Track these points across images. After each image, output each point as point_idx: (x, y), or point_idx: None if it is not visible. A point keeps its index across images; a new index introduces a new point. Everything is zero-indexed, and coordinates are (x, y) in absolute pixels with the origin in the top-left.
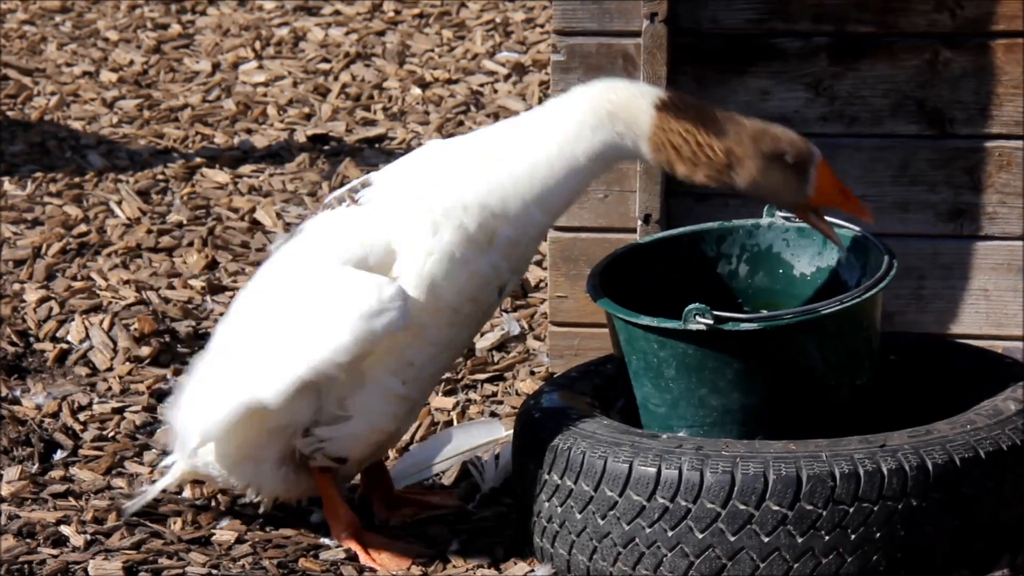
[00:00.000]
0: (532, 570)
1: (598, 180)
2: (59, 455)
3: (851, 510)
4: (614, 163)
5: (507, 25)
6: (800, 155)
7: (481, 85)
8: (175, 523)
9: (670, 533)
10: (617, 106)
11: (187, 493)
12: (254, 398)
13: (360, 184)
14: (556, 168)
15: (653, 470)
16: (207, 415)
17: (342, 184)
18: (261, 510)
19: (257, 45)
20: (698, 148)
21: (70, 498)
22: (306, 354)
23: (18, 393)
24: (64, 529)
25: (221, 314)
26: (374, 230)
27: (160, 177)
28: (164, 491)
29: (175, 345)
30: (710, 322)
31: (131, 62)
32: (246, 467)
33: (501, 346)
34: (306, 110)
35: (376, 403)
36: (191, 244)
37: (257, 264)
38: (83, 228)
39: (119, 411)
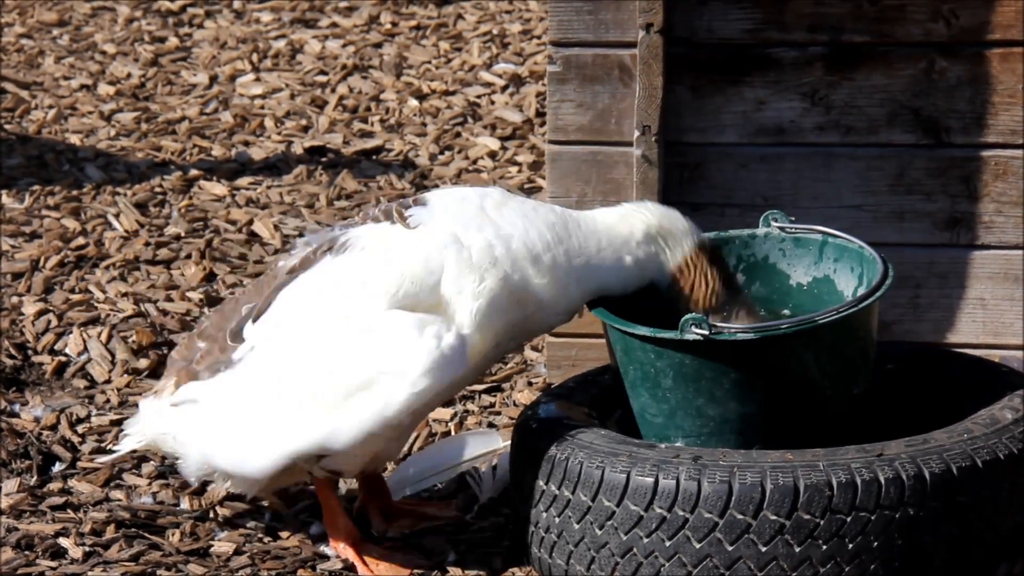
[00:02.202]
0: None
1: (595, 191)
2: (57, 467)
3: (848, 519)
4: (636, 283)
5: (504, 36)
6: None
7: (478, 96)
8: (173, 535)
9: (668, 543)
10: (669, 231)
11: (185, 505)
12: (316, 445)
13: (412, 201)
14: (604, 256)
15: (651, 480)
16: (252, 457)
17: (340, 196)
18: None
19: (254, 58)
20: (711, 296)
21: (68, 510)
22: (376, 407)
23: (16, 406)
24: (63, 541)
25: None
26: (424, 262)
27: (158, 190)
28: (162, 503)
29: None
30: (706, 332)
31: (129, 75)
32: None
33: None
34: (303, 122)
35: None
36: (189, 256)
37: (255, 275)
38: (81, 241)
39: (117, 423)
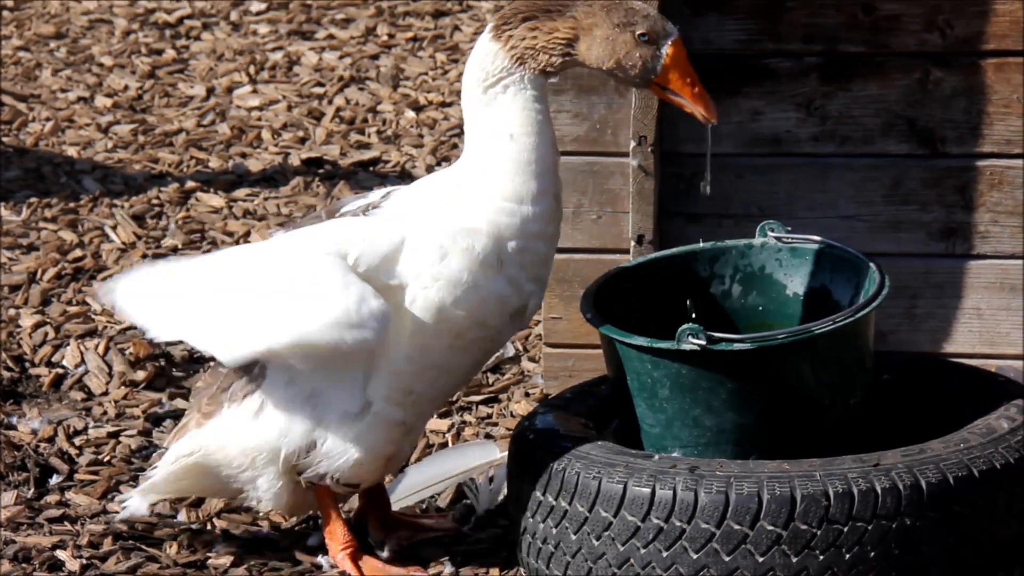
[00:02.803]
0: None
1: (592, 202)
2: (55, 480)
3: (845, 529)
4: (545, 88)
5: None
6: (653, 29)
7: None
8: (171, 547)
9: (665, 553)
10: (481, 73)
11: (182, 517)
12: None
13: (372, 204)
14: (515, 155)
15: (647, 490)
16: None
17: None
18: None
19: (251, 69)
20: (548, 34)
21: (66, 523)
22: (269, 331)
23: (14, 418)
24: (60, 554)
25: None
26: (380, 237)
27: (155, 201)
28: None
29: (170, 369)
30: (703, 342)
31: (126, 87)
32: (245, 480)
33: (496, 368)
34: (300, 134)
35: (374, 430)
36: None
37: None
38: (78, 253)
39: (114, 435)
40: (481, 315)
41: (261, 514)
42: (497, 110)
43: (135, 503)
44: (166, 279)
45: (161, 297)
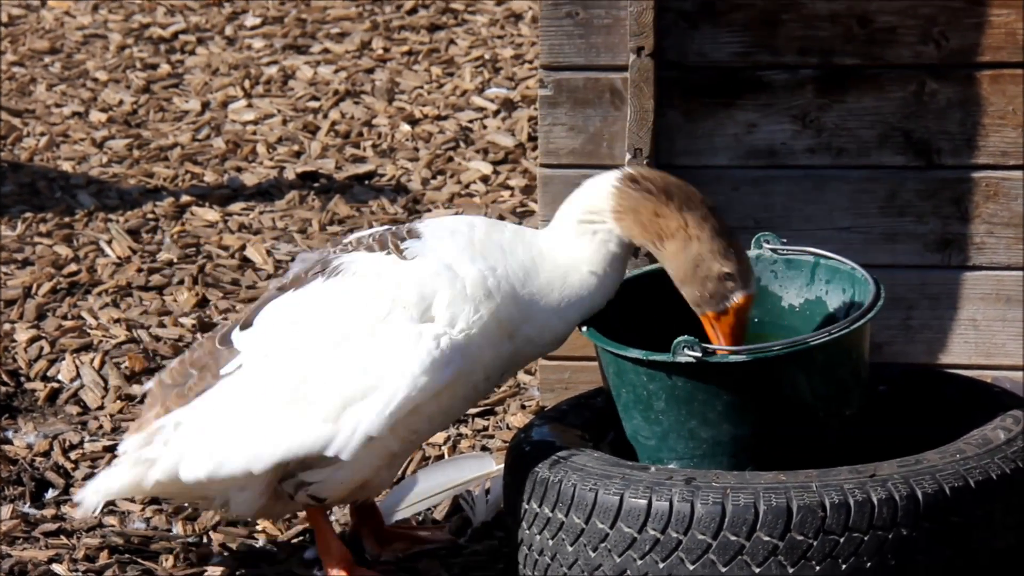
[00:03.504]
0: None
1: None
2: (51, 494)
3: (842, 540)
4: (628, 255)
5: (496, 61)
6: (740, 274)
7: (470, 121)
8: (167, 560)
9: (661, 565)
10: (584, 201)
11: (178, 530)
12: (316, 447)
13: (407, 232)
14: (569, 282)
15: (644, 502)
16: (255, 451)
17: (332, 221)
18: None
19: (246, 84)
20: (654, 216)
21: (62, 536)
22: (376, 407)
23: (9, 432)
24: (56, 568)
25: None
26: (418, 289)
27: (150, 216)
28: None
29: None
30: (699, 354)
31: (120, 102)
32: (225, 492)
33: None
34: (296, 148)
35: (366, 456)
36: (181, 282)
37: (248, 301)
38: (73, 267)
39: (110, 449)
40: (490, 370)
41: (259, 528)
42: (582, 244)
43: (89, 501)
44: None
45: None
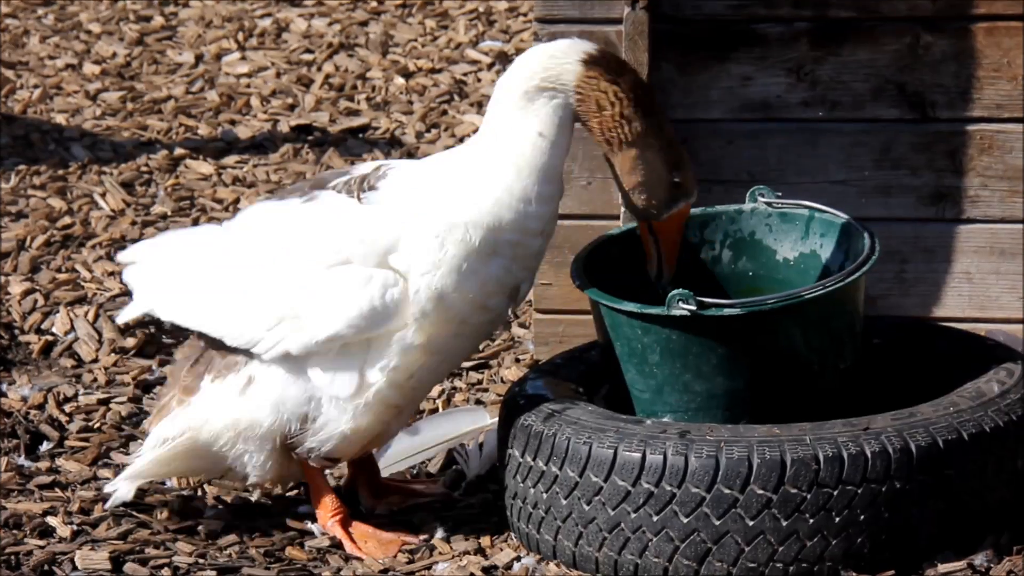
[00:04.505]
0: (518, 556)
1: (581, 168)
2: (45, 446)
3: (835, 493)
4: (572, 124)
5: (490, 14)
6: (686, 184)
7: (464, 74)
8: (161, 513)
9: (655, 518)
10: (547, 73)
11: (173, 483)
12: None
13: (368, 182)
14: (527, 158)
15: (638, 455)
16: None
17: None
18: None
19: (240, 36)
20: (619, 114)
21: (56, 489)
22: (302, 332)
23: (3, 386)
24: (51, 520)
25: None
26: (378, 233)
27: (144, 169)
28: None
29: (160, 336)
30: (693, 308)
31: (114, 54)
32: (234, 456)
33: None
34: (289, 101)
35: (369, 411)
36: None
37: None
38: (67, 220)
39: (104, 402)
40: (482, 298)
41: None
42: (532, 111)
43: (123, 489)
44: (182, 262)
45: (181, 284)
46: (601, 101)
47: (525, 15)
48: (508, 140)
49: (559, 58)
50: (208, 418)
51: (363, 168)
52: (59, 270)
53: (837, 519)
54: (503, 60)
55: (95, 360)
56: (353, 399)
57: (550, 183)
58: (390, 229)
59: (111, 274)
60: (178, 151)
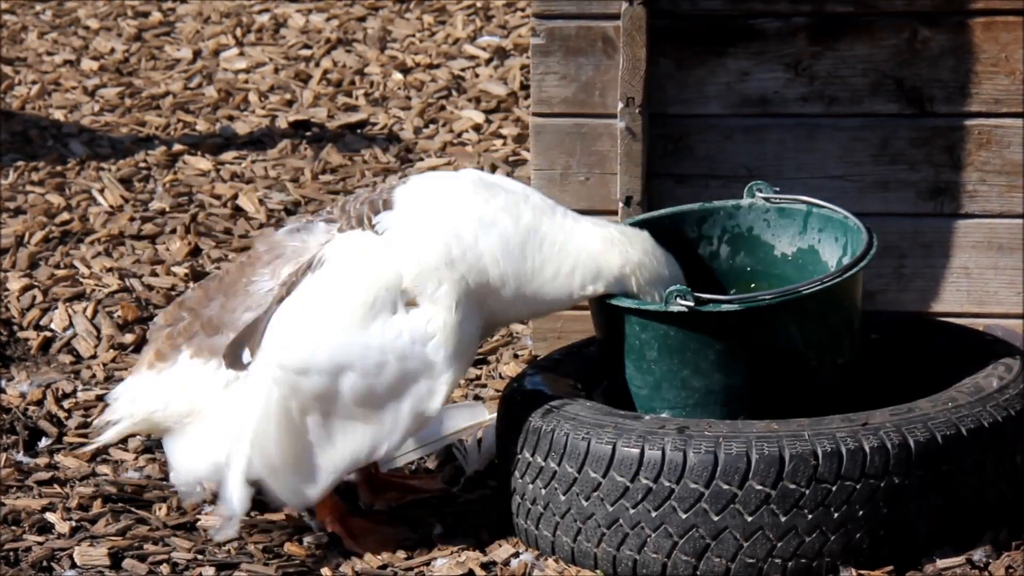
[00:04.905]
0: (517, 552)
1: (579, 164)
2: (44, 442)
3: (834, 488)
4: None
5: (488, 9)
6: None
7: (463, 70)
8: (160, 509)
9: (654, 513)
10: (647, 266)
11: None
12: (367, 454)
13: (382, 203)
14: (559, 284)
15: (636, 451)
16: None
17: (324, 170)
18: None
19: (238, 32)
20: None
21: (55, 485)
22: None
23: (2, 382)
24: (49, 516)
25: None
26: (392, 275)
27: (142, 165)
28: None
29: None
30: (691, 303)
31: (112, 50)
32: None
33: None
34: (288, 96)
35: None
36: (174, 231)
37: (240, 250)
38: (66, 216)
39: (103, 398)
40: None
41: None
42: (589, 276)
43: (106, 436)
44: None
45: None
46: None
47: (523, 10)
48: (554, 274)
49: (662, 274)
50: (175, 400)
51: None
52: (57, 266)
53: (836, 515)
54: (501, 55)
55: (94, 356)
56: None
57: (547, 310)
58: (401, 261)
59: (109, 270)
60: (176, 147)
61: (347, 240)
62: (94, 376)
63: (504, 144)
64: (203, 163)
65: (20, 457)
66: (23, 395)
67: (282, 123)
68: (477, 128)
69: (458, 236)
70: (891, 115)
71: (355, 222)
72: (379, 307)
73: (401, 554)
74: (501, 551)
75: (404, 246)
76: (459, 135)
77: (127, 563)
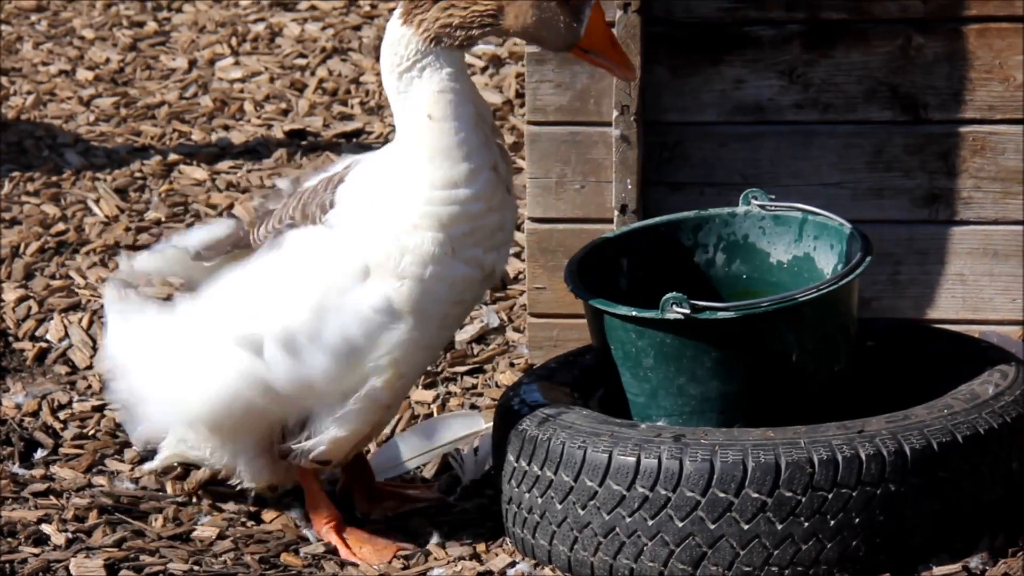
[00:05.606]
0: (513, 561)
1: (575, 172)
2: (39, 454)
3: (830, 496)
4: (462, 69)
5: None
6: None
7: None
8: (156, 520)
9: (650, 522)
10: (397, 57)
11: (168, 490)
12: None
13: (328, 203)
14: (429, 144)
15: (632, 459)
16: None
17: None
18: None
19: (233, 41)
20: (464, 12)
21: (51, 496)
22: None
23: None
24: (45, 528)
25: None
26: (353, 264)
27: (138, 174)
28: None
29: None
30: (687, 311)
31: (107, 60)
32: (226, 455)
33: (481, 338)
34: (283, 106)
35: (361, 413)
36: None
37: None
38: (61, 227)
39: (99, 409)
40: (456, 295)
41: (247, 487)
42: (414, 94)
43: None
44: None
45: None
46: (445, 19)
47: None
48: (408, 137)
49: (394, 32)
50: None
51: (325, 175)
52: (53, 277)
53: (832, 522)
54: (496, 63)
55: (89, 367)
56: (343, 402)
57: (470, 156)
58: (351, 261)
59: (105, 280)
60: (172, 157)
61: (301, 233)
62: (90, 387)
63: None
64: (199, 173)
65: (16, 469)
66: (19, 406)
67: (278, 132)
68: None
69: (401, 206)
70: (886, 122)
71: (309, 221)
72: (335, 295)
73: (398, 564)
74: (498, 560)
75: (357, 235)
76: None
77: (123, 574)
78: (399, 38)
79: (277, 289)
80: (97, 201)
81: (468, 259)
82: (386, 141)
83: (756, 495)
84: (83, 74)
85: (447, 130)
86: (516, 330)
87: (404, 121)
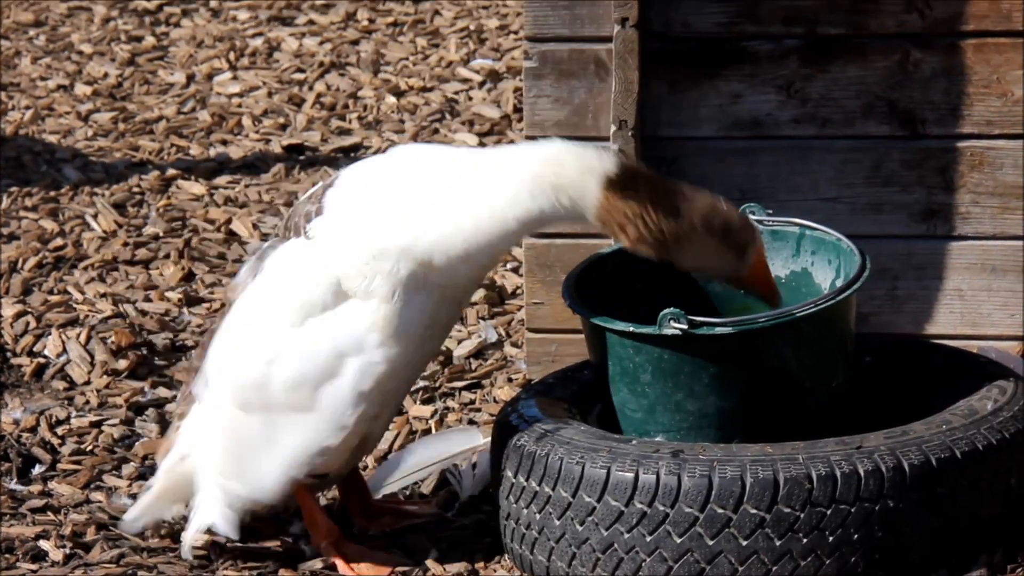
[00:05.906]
0: None
1: None
2: (37, 470)
3: (828, 512)
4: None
5: (481, 32)
6: (744, 236)
7: (456, 92)
8: (154, 536)
9: (648, 538)
10: (564, 181)
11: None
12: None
13: (314, 211)
14: (484, 229)
15: (631, 475)
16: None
17: None
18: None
19: (231, 56)
20: (645, 229)
21: (49, 512)
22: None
23: None
24: (43, 544)
25: (199, 326)
26: (326, 276)
27: (136, 190)
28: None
29: (152, 358)
30: (685, 327)
31: (105, 75)
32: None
33: (478, 353)
34: (281, 120)
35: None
36: (167, 256)
37: (234, 275)
38: (59, 242)
39: (97, 424)
40: (426, 320)
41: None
42: (524, 198)
43: (129, 519)
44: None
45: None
46: (622, 223)
47: (516, 33)
48: (477, 210)
49: (585, 175)
50: (197, 439)
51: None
52: (51, 292)
53: (831, 538)
54: (494, 78)
55: (87, 382)
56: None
57: (491, 261)
58: (324, 282)
59: (103, 296)
60: (170, 171)
61: (282, 250)
62: (88, 402)
63: None
64: (197, 187)
65: (13, 485)
66: (17, 422)
67: (276, 147)
68: None
69: (382, 228)
70: (883, 137)
71: (292, 232)
72: (310, 309)
73: None
74: None
75: (332, 249)
76: None
77: None
78: (581, 175)
79: (259, 319)
80: (95, 216)
81: (435, 298)
82: None
83: (754, 511)
84: (81, 89)
85: (506, 235)
86: (514, 345)
87: (488, 189)
